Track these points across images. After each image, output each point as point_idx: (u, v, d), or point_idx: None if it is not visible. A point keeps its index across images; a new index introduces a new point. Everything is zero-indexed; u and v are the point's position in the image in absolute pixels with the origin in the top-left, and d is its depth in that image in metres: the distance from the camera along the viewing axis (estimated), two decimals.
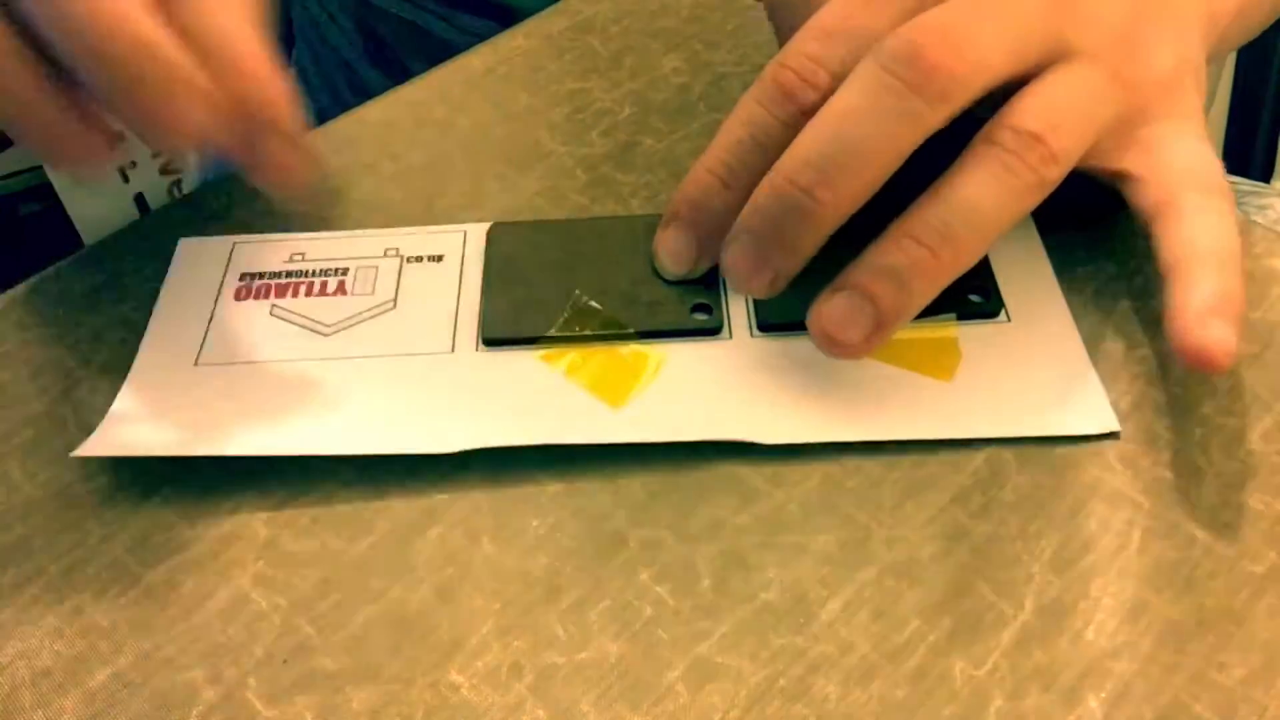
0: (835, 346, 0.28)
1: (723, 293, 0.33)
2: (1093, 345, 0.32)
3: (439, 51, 0.46)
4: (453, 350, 0.32)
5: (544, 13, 0.45)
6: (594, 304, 0.33)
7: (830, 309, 0.28)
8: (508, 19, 0.46)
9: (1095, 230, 0.35)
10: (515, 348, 0.32)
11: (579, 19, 0.45)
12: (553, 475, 0.30)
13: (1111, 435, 0.30)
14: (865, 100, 0.27)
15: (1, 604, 0.28)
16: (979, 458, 0.30)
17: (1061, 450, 0.30)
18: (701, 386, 0.31)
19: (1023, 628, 0.26)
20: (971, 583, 0.27)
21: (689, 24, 0.44)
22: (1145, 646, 0.26)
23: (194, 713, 0.25)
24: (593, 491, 0.29)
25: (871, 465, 0.29)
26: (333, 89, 0.67)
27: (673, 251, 0.32)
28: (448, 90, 0.42)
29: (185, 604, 0.27)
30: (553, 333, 0.32)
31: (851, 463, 0.30)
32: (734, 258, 0.30)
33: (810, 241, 0.28)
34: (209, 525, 0.29)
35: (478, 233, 0.36)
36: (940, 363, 0.31)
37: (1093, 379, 0.31)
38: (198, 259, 0.36)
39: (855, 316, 0.28)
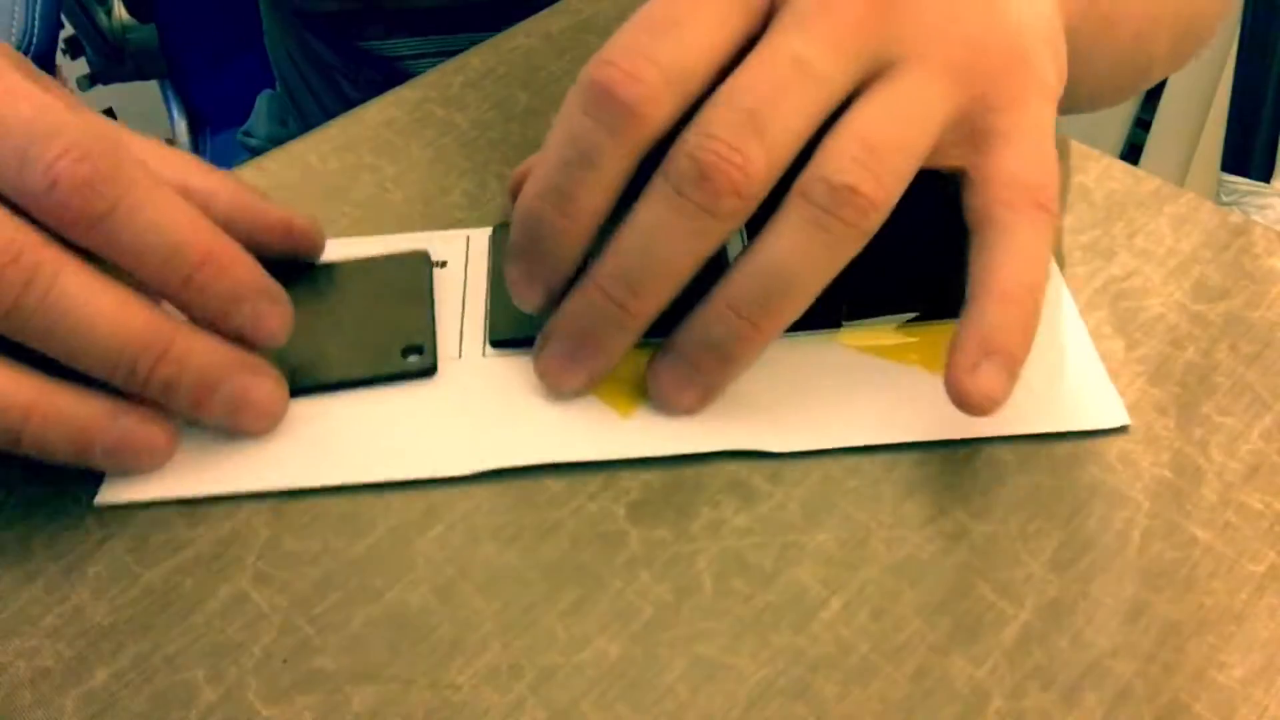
0: (670, 409, 0.30)
1: None
2: (1093, 345, 0.32)
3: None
4: (460, 356, 0.32)
5: (544, 12, 0.45)
6: None
7: (663, 373, 0.30)
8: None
9: (1095, 230, 0.35)
10: (523, 350, 0.32)
11: (579, 19, 0.45)
12: (553, 475, 0.30)
13: (1121, 430, 0.30)
14: (664, 218, 0.27)
15: (1, 604, 0.28)
16: (979, 458, 0.30)
17: (1061, 450, 0.30)
18: None
19: (1023, 628, 0.26)
20: (971, 583, 0.27)
21: None
22: (1145, 646, 0.26)
23: (194, 713, 0.25)
24: (593, 491, 0.29)
25: (871, 465, 0.29)
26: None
27: (519, 293, 0.30)
28: (448, 90, 0.42)
29: (185, 604, 0.27)
30: None
31: (851, 463, 0.30)
32: (547, 361, 0.30)
33: (622, 345, 0.30)
34: (209, 525, 0.29)
35: (480, 237, 0.36)
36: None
37: (1101, 374, 0.31)
38: None
39: (685, 385, 0.30)
